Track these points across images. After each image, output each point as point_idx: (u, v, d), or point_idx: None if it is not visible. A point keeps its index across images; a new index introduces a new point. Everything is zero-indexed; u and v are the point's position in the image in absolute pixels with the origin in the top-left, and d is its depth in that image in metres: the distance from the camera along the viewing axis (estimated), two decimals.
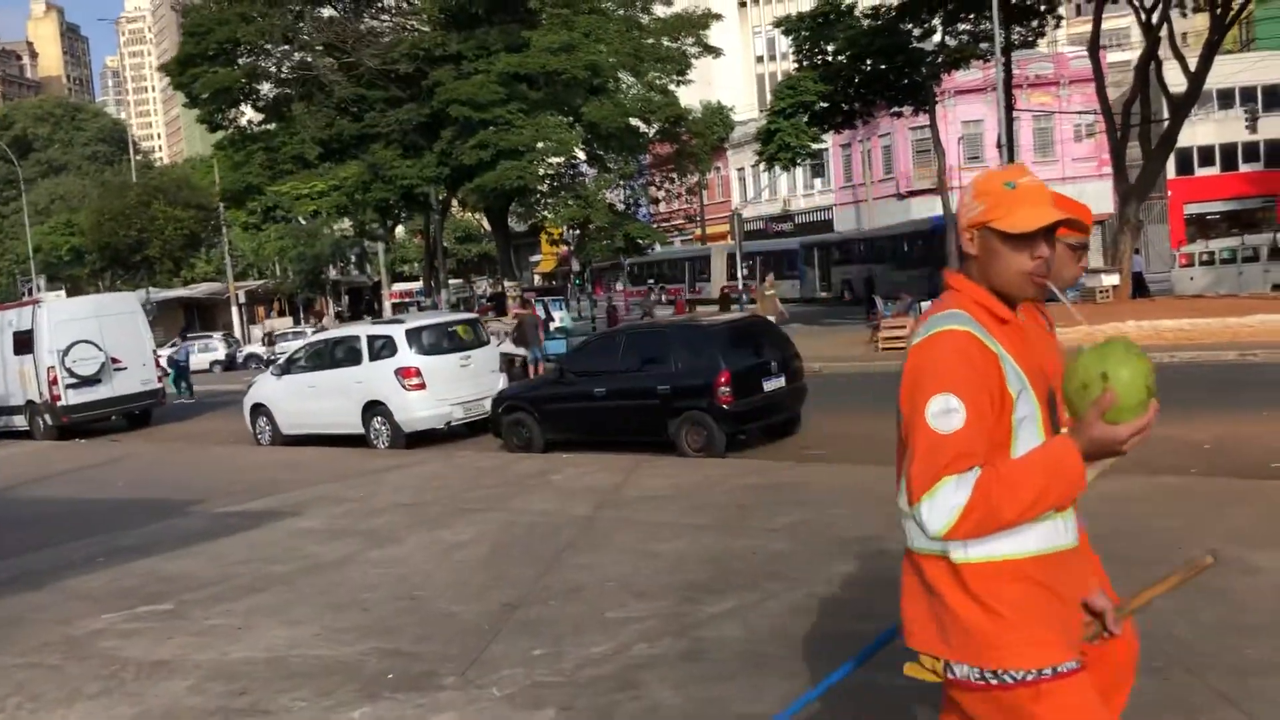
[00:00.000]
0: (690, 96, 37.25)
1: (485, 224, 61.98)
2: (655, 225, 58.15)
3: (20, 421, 21.69)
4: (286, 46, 33.91)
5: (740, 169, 63.26)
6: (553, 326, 30.08)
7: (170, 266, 68.99)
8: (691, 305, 40.99)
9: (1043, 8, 28.66)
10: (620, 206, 35.61)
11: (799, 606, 5.92)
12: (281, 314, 68.44)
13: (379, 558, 8.12)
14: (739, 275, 45.60)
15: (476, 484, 11.02)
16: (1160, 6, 25.68)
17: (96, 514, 11.29)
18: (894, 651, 2.91)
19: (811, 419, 13.89)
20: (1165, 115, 27.83)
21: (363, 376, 15.76)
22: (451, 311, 37.73)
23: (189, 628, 6.61)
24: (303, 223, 47.49)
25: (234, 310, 57.71)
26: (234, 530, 9.62)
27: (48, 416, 21.09)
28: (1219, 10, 25.34)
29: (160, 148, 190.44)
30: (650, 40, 31.13)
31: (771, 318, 23.03)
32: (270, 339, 43.42)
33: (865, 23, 29.10)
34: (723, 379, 11.90)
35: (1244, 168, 51.40)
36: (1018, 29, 28.76)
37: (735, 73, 67.84)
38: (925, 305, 20.01)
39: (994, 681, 2.38)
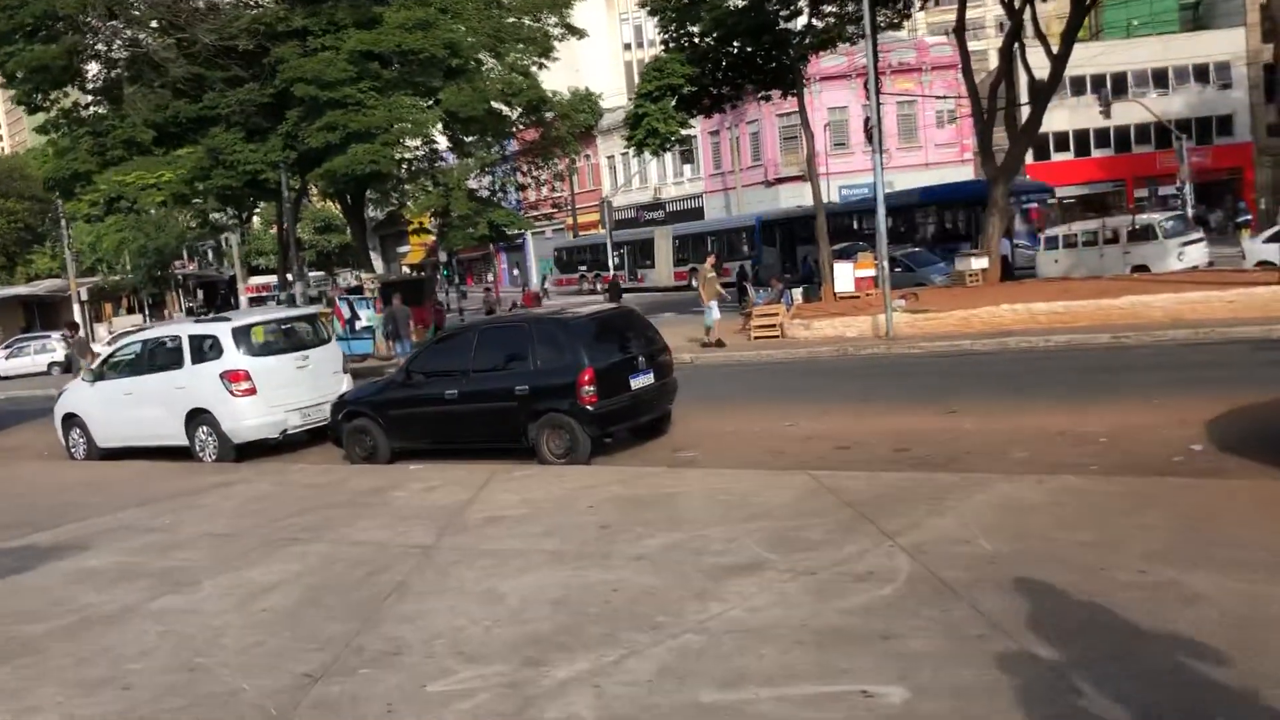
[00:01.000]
0: (558, 83, 35.98)
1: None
2: (525, 213, 56.56)
3: None
4: (114, 22, 31.09)
5: (610, 156, 62.26)
6: (358, 325, 28.56)
7: (3, 262, 64.07)
8: (615, 292, 37.01)
9: None
10: (485, 194, 34.05)
11: (667, 668, 4.81)
12: (131, 311, 64.25)
13: (165, 609, 6.69)
14: (609, 265, 44.73)
15: (304, 506, 9.59)
16: None
17: None
18: None
19: (683, 415, 12.88)
20: (1025, 100, 27.94)
21: (184, 382, 14.02)
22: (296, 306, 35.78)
23: None
24: (152, 214, 44.36)
25: (76, 308, 53.72)
26: None
27: None
28: None
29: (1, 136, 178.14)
30: (511, 19, 29.64)
31: (713, 302, 22.11)
32: (116, 340, 40.24)
33: (732, 3, 28.30)
34: (586, 377, 10.75)
35: (1096, 153, 53.03)
36: (884, 11, 28.43)
37: (602, 60, 66.70)
38: (797, 293, 19.26)
39: None
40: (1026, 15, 26.09)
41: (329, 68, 26.11)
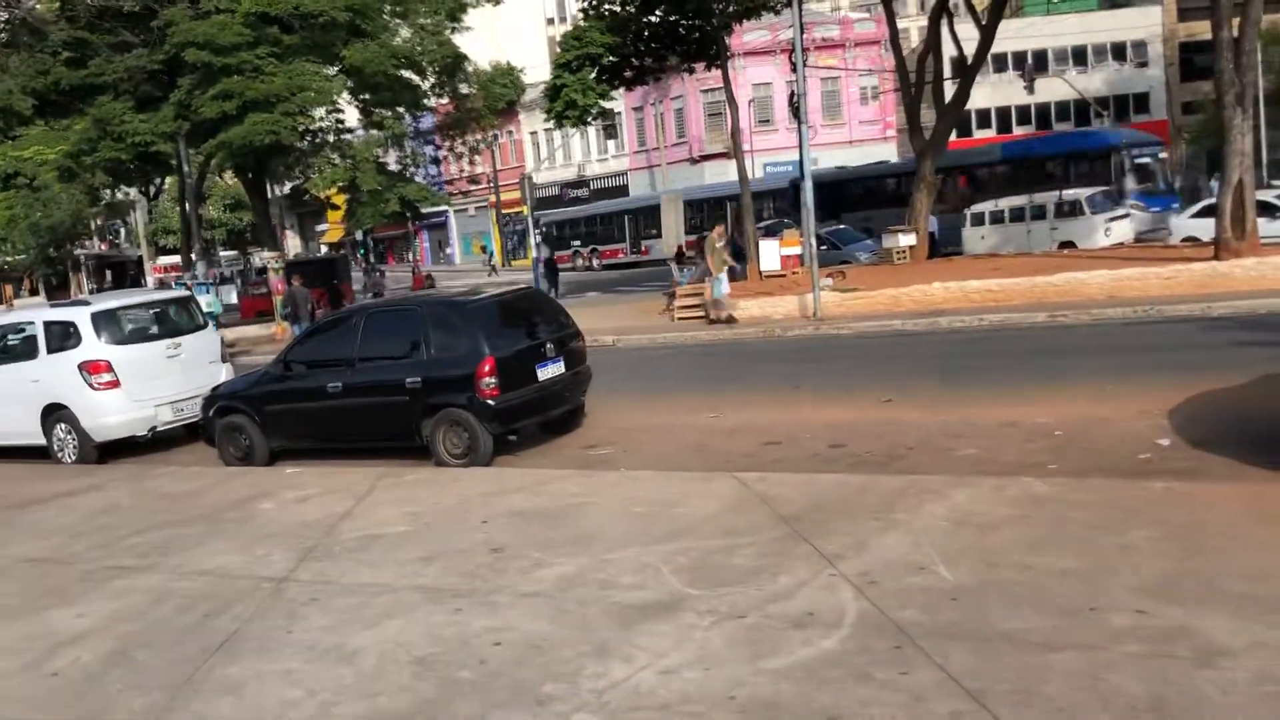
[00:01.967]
0: (479, 57, 34.40)
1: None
2: (444, 189, 54.63)
3: None
4: None
5: (534, 132, 60.62)
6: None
7: None
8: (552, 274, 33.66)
9: None
10: (397, 168, 32.36)
11: None
12: (35, 293, 60.87)
13: None
14: (531, 241, 43.13)
15: (153, 522, 8.23)
16: None
17: None
18: None
19: (599, 406, 11.73)
20: (949, 75, 27.25)
21: (39, 373, 12.42)
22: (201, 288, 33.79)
23: None
24: (52, 190, 41.67)
25: None
26: None
27: None
28: None
29: None
30: None
31: (722, 275, 20.09)
32: None
33: None
34: (486, 368, 9.51)
35: (1018, 130, 52.94)
36: None
37: (525, 34, 64.88)
38: (724, 280, 18.04)
39: None
40: None
41: (223, 31, 24.30)
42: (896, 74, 26.82)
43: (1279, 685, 3.72)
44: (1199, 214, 23.61)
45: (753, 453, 9.25)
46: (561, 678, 4.40)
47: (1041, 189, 27.73)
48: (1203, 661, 3.96)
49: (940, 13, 25.47)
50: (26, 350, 12.71)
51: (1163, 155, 30.92)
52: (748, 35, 48.01)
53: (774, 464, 8.70)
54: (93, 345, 12.17)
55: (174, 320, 13.25)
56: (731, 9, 27.15)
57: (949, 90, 26.34)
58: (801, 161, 20.29)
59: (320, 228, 73.30)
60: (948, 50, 26.45)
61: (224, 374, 13.16)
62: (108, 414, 12.09)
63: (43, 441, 12.54)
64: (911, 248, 25.36)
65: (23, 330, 12.98)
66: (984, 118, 53.18)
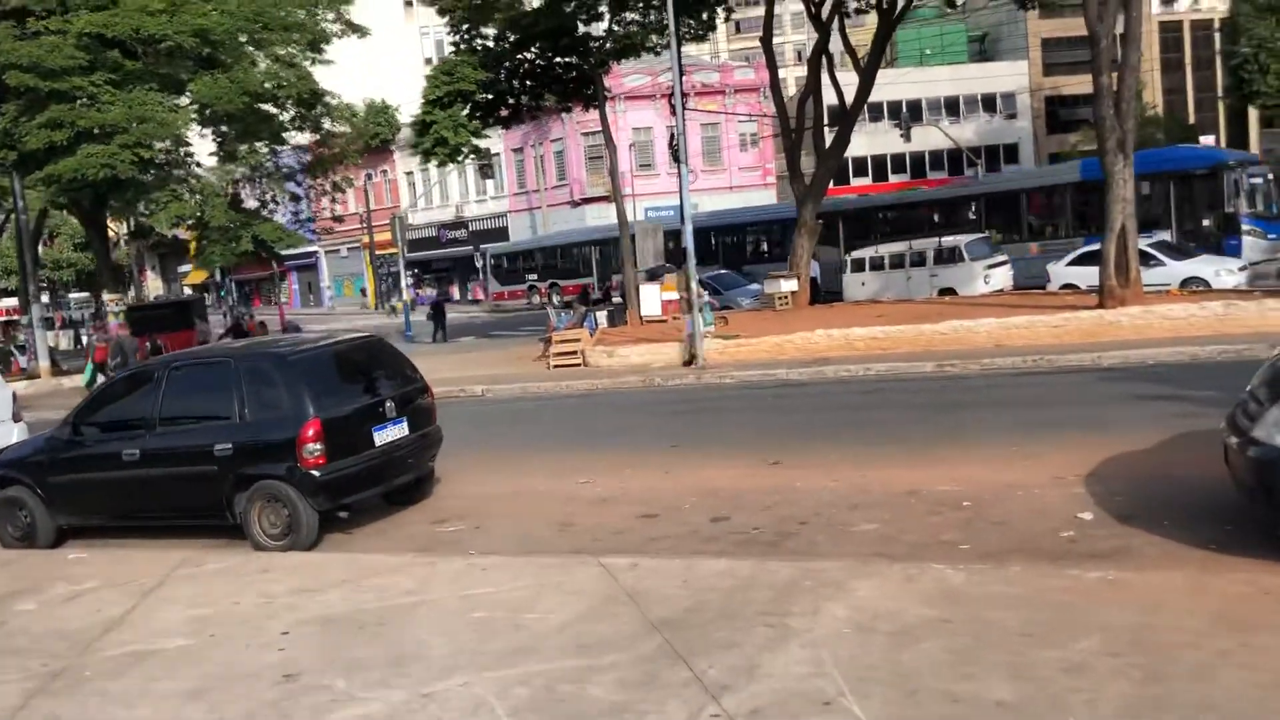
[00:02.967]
0: (354, 96, 32.76)
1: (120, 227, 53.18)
2: (311, 227, 52.17)
3: None
4: None
5: (409, 172, 58.91)
6: None
7: None
8: (439, 316, 32.11)
9: None
10: (255, 204, 30.32)
11: None
12: None
13: None
14: (402, 286, 41.35)
15: None
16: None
17: None
18: None
19: (456, 468, 10.36)
20: (827, 122, 26.97)
21: None
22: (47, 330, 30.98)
23: None
24: None
25: None
26: None
27: None
28: (886, 5, 24.56)
29: None
30: (281, 10, 26.18)
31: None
32: None
33: (528, 3, 26.11)
34: (310, 431, 8.07)
35: (893, 178, 53.77)
36: (688, 21, 26.92)
37: (402, 73, 63.32)
38: (602, 316, 16.91)
39: None
40: (834, 27, 25.03)
41: (52, 54, 22.18)
42: (777, 118, 26.32)
43: None
44: (1075, 261, 23.63)
45: (625, 528, 8.03)
46: None
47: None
48: None
49: (820, 55, 25.13)
50: None
51: (1270, 176, 25.90)
52: (628, 79, 47.57)
53: (649, 544, 7.50)
54: None
55: None
56: (608, 46, 26.38)
57: (829, 135, 26.00)
58: (681, 204, 19.41)
59: (183, 268, 69.79)
60: (827, 96, 26.11)
61: (15, 435, 11.34)
62: None
63: None
64: (794, 293, 24.76)
65: None
66: (860, 165, 53.86)
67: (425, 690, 4.72)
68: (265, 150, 27.99)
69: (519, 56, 26.73)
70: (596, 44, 26.26)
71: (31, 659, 5.75)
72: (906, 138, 40.99)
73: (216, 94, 23.37)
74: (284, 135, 27.61)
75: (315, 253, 69.35)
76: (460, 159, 27.53)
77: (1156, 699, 4.02)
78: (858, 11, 27.56)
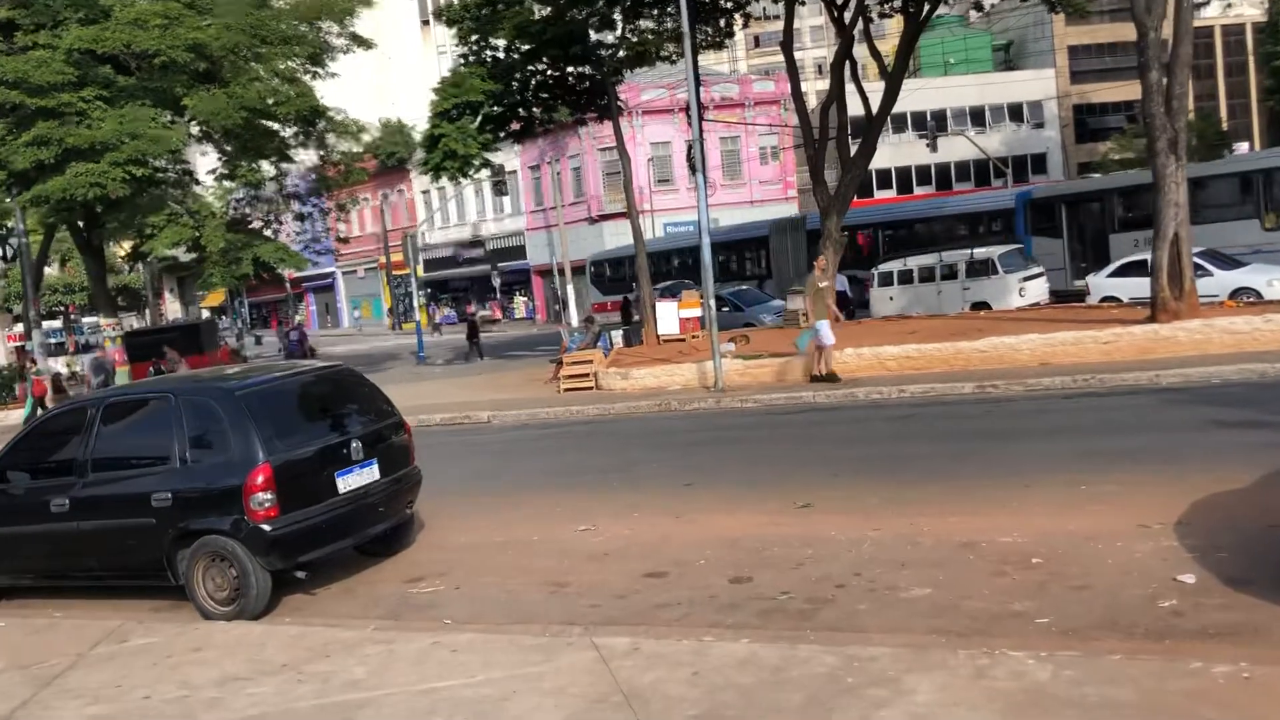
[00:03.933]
0: (370, 115, 31.89)
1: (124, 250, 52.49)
2: (328, 248, 51.39)
3: None
4: None
5: (425, 191, 58.19)
6: None
7: None
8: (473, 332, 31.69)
9: (729, 4, 25.84)
10: (258, 224, 29.41)
11: None
12: None
13: None
14: (414, 304, 40.35)
15: None
16: (853, 2, 23.40)
17: None
18: None
19: (441, 512, 9.17)
20: (851, 132, 25.77)
21: None
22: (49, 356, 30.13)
23: None
24: None
25: None
26: None
27: None
28: (912, 9, 23.36)
29: None
30: (281, 23, 25.15)
31: (822, 325, 15.49)
32: None
33: (537, 12, 25.11)
34: (259, 478, 6.89)
35: (919, 189, 52.43)
36: (704, 29, 25.83)
37: (420, 92, 62.90)
38: (617, 336, 15.61)
39: None
40: (858, 30, 23.86)
41: (40, 69, 21.22)
42: (799, 126, 25.12)
43: None
44: (1116, 273, 22.28)
45: (628, 590, 6.80)
46: None
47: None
48: None
49: (843, 60, 23.94)
50: None
51: None
52: (645, 94, 46.58)
53: (655, 612, 6.28)
54: None
55: None
56: (621, 54, 25.34)
57: (853, 145, 24.80)
58: (700, 217, 18.23)
59: (201, 292, 69.27)
60: (851, 106, 24.92)
61: None
62: None
63: None
64: None
65: None
66: (885, 178, 52.60)
67: None
68: (268, 168, 27.03)
69: (529, 67, 25.77)
70: (609, 51, 25.22)
71: None
72: (933, 148, 39.65)
73: (214, 109, 22.38)
74: (289, 153, 26.63)
75: (332, 273, 68.70)
76: (472, 172, 26.48)
77: None
78: (881, 16, 26.45)
